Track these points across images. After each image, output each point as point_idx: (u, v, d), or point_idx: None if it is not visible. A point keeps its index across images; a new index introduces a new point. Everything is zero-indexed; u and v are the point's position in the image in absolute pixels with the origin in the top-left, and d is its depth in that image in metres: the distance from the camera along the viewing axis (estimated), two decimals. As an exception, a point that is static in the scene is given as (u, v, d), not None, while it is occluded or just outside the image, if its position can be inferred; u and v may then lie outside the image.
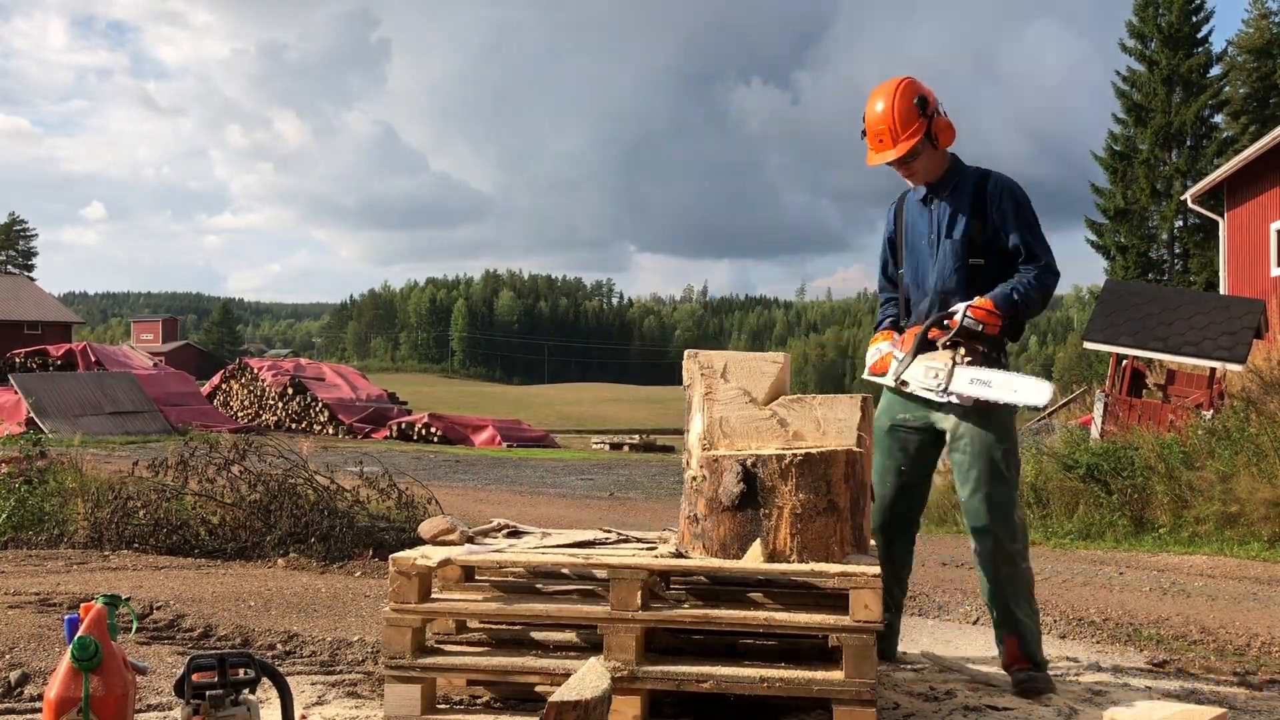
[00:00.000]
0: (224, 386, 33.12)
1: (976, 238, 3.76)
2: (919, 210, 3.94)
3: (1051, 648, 4.56)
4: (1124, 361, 13.64)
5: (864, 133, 3.84)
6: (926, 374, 3.75)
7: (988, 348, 3.74)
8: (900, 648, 4.52)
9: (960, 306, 3.69)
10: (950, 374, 3.67)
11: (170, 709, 3.37)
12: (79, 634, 2.54)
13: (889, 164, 3.83)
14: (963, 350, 3.69)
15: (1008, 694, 3.64)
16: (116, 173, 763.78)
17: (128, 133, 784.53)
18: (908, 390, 3.81)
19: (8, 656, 3.96)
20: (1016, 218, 3.74)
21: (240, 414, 31.54)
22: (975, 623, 5.37)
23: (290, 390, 31.45)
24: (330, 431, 29.99)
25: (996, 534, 3.68)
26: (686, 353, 3.50)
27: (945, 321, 3.73)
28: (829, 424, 3.28)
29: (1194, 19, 32.09)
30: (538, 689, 3.34)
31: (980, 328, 3.65)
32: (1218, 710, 3.13)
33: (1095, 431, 12.59)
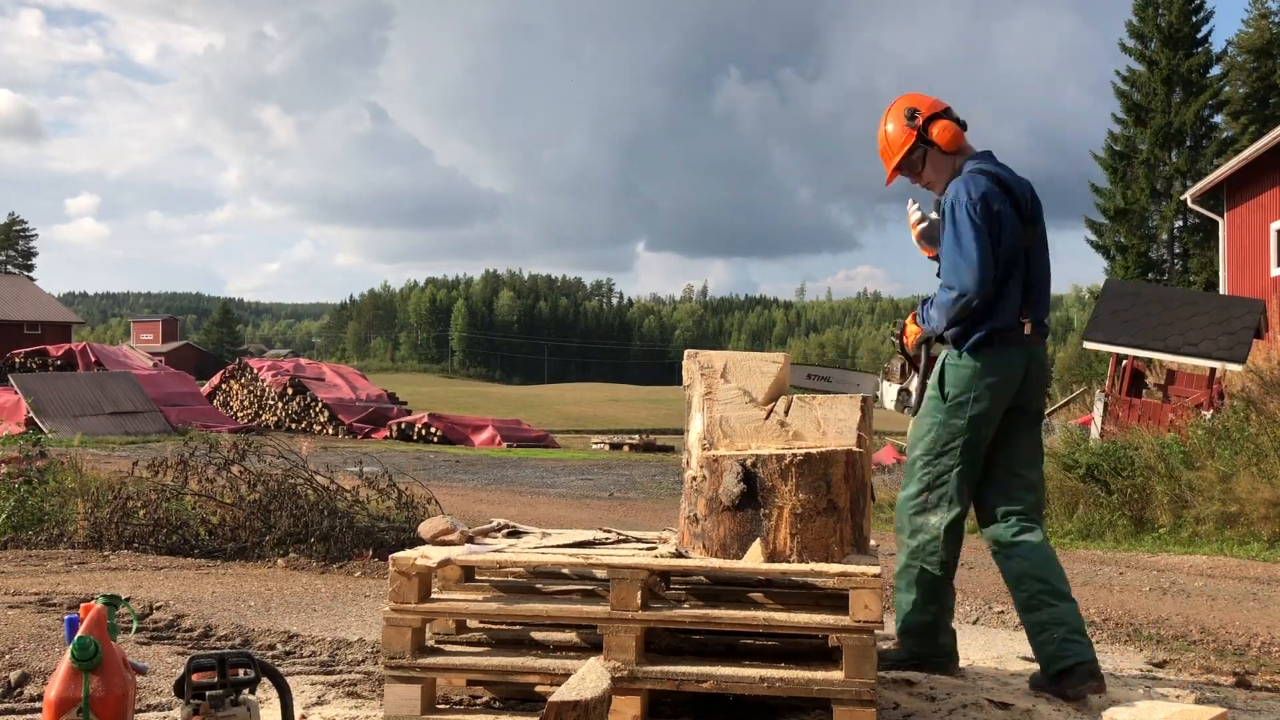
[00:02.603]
0: (224, 386, 33.13)
1: None
2: None
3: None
4: (1124, 361, 13.64)
5: None
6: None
7: (909, 357, 4.01)
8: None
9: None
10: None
11: (170, 709, 3.37)
12: (79, 634, 2.54)
13: (905, 176, 3.92)
14: (895, 361, 4.09)
15: (1006, 694, 3.63)
16: (113, 171, 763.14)
17: (124, 130, 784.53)
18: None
19: (8, 656, 3.96)
20: (946, 229, 3.75)
21: (240, 414, 31.54)
22: (975, 623, 5.37)
23: (290, 390, 31.46)
24: (330, 431, 29.99)
25: (898, 525, 3.90)
26: (686, 353, 3.50)
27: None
28: (829, 424, 3.28)
29: (1194, 19, 32.09)
30: (538, 689, 3.34)
31: (901, 340, 4.03)
32: (1218, 710, 3.12)
33: (1095, 431, 12.59)
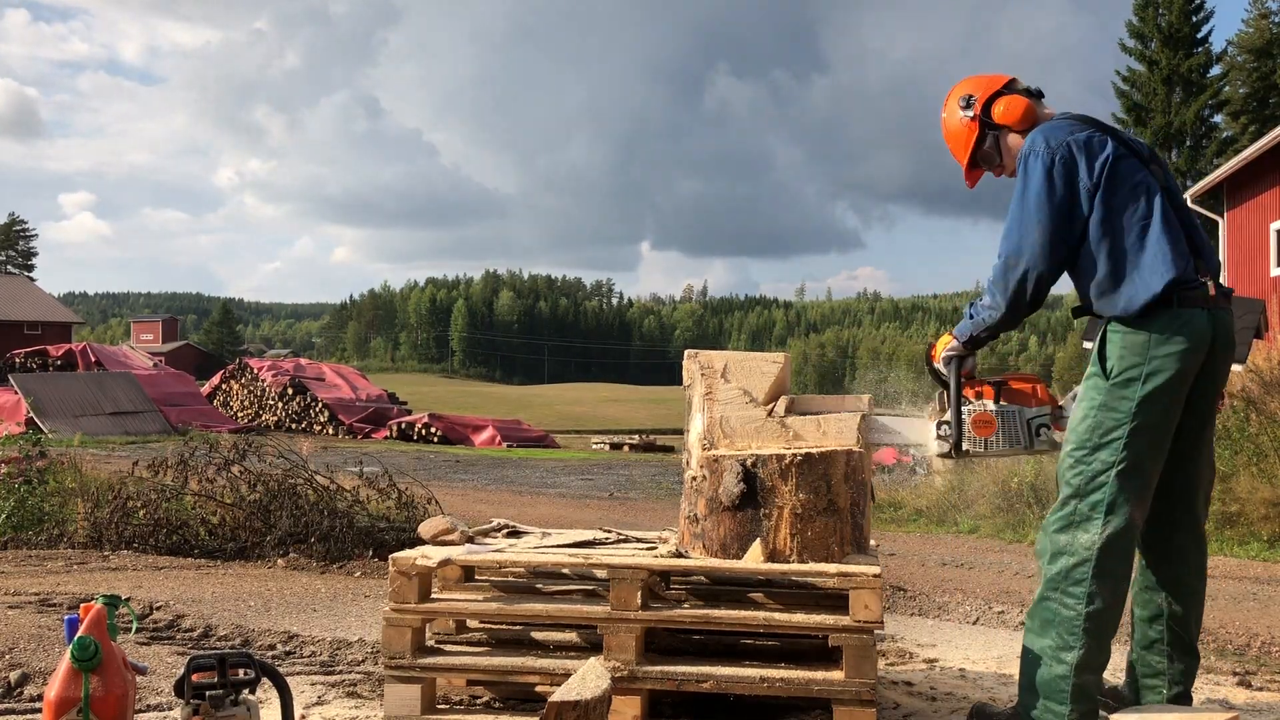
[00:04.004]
0: (224, 387, 33.12)
1: None
2: None
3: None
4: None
5: None
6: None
7: (935, 374, 3.30)
8: (900, 647, 4.52)
9: None
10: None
11: (170, 709, 3.37)
12: (79, 634, 2.54)
13: (988, 172, 3.37)
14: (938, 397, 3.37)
15: (1007, 694, 3.63)
16: (111, 172, 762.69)
17: (120, 129, 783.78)
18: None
19: (8, 656, 3.96)
20: (1017, 184, 3.09)
21: (240, 414, 31.53)
22: (975, 623, 5.37)
23: (290, 390, 31.45)
24: (330, 431, 29.98)
25: (1038, 548, 3.18)
26: (686, 353, 3.50)
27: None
28: (829, 424, 3.28)
29: (1194, 19, 32.17)
30: (538, 689, 3.35)
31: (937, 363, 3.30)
32: (1227, 714, 3.08)
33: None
